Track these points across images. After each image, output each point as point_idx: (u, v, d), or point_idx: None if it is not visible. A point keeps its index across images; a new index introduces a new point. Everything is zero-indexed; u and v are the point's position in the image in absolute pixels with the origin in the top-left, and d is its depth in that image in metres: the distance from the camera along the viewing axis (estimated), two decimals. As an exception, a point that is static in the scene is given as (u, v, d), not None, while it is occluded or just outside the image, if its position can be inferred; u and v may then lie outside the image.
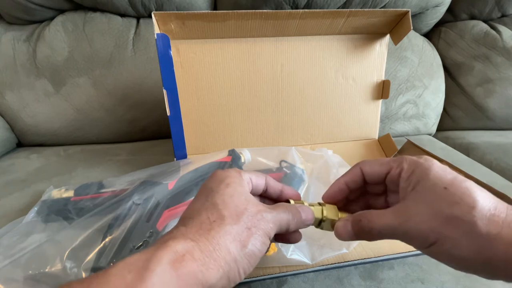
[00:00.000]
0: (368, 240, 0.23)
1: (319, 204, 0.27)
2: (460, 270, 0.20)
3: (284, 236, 0.26)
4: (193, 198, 0.39)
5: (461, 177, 0.20)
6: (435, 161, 0.22)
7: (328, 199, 0.27)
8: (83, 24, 0.70)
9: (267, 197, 0.27)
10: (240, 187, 0.23)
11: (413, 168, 0.22)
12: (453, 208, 0.19)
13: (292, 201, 0.26)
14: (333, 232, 0.26)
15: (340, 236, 0.24)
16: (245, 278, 0.33)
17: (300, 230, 0.26)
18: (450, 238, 0.19)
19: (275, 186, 0.27)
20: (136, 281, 0.16)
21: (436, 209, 0.19)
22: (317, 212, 0.26)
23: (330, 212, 0.26)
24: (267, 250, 0.35)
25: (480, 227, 0.18)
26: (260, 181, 0.26)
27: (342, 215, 0.26)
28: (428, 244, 0.20)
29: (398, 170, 0.23)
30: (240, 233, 0.20)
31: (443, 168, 0.21)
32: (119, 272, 0.16)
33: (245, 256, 0.20)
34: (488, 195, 0.20)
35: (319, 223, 0.26)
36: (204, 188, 0.23)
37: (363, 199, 0.28)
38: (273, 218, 0.22)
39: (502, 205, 0.19)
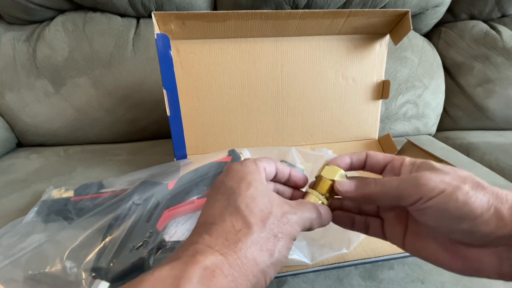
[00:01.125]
0: (366, 199, 0.24)
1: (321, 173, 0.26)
2: (465, 230, 0.20)
3: None
4: (194, 197, 0.39)
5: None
6: None
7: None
8: (83, 24, 0.70)
9: (275, 181, 0.27)
10: (261, 186, 0.22)
11: (415, 159, 0.24)
12: (456, 172, 0.21)
13: (310, 191, 0.26)
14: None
15: (341, 187, 0.24)
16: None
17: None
18: (459, 188, 0.20)
19: (284, 171, 0.26)
20: None
21: (442, 171, 0.21)
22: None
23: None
24: None
25: (483, 184, 0.20)
26: (271, 168, 0.25)
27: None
28: (438, 191, 0.20)
29: (401, 160, 0.25)
30: (267, 241, 0.20)
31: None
32: None
33: (272, 266, 0.20)
34: None
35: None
36: (222, 186, 0.22)
37: None
38: (298, 220, 0.21)
39: None
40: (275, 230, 0.20)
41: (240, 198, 0.21)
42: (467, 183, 0.20)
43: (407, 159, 0.24)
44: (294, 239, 0.21)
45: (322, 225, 0.24)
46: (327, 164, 0.26)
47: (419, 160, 0.24)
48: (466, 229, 0.20)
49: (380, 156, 0.26)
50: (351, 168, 0.27)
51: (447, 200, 0.20)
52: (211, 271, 0.17)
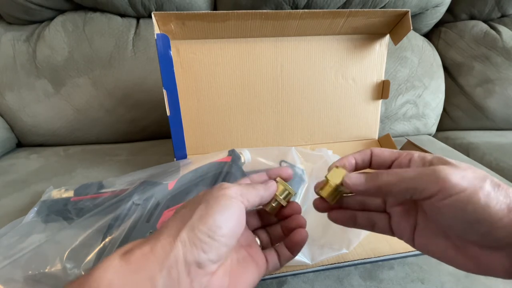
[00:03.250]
0: (377, 191, 0.22)
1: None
2: (480, 233, 0.19)
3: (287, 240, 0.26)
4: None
5: None
6: None
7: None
8: (83, 24, 0.70)
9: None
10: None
11: (425, 154, 0.23)
12: (474, 169, 0.20)
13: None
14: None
15: (351, 181, 0.23)
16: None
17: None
18: (481, 189, 0.19)
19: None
20: (84, 277, 0.17)
21: (460, 167, 0.20)
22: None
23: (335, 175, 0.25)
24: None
25: (502, 185, 0.19)
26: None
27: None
28: (459, 189, 0.19)
29: (409, 156, 0.23)
30: (191, 210, 0.21)
31: None
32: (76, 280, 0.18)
33: (205, 228, 0.19)
34: None
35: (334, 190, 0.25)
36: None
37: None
38: (233, 185, 0.22)
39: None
40: (202, 199, 0.21)
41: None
42: (487, 183, 0.19)
43: (416, 155, 0.23)
44: (241, 202, 0.22)
45: (267, 194, 0.25)
46: (336, 166, 0.25)
47: (430, 155, 0.22)
48: (481, 232, 0.19)
49: (386, 153, 0.25)
50: (356, 168, 0.26)
51: (467, 201, 0.18)
52: (130, 248, 0.19)
